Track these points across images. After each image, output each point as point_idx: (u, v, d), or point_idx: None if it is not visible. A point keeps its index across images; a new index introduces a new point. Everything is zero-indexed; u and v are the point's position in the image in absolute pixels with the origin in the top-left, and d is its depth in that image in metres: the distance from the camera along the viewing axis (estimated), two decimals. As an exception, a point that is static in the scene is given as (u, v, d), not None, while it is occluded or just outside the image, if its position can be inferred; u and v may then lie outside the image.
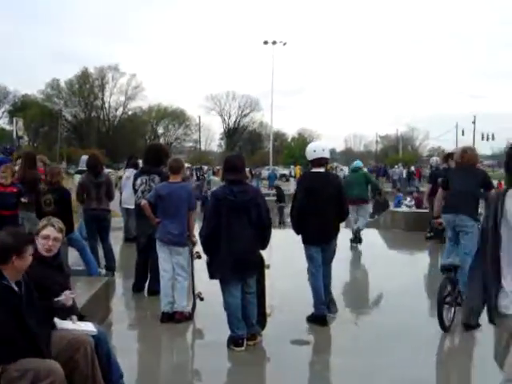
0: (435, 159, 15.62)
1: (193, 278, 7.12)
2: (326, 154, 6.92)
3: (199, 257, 6.89)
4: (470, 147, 9.14)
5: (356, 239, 12.68)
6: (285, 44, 60.89)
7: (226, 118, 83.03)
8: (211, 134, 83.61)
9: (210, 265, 5.98)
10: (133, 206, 8.88)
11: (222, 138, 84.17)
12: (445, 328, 6.47)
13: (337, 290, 7.01)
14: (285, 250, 10.44)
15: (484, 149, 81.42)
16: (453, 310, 6.65)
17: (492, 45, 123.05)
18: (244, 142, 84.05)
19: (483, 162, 52.32)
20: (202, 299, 7.07)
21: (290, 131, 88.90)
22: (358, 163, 13.80)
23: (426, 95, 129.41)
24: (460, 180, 7.58)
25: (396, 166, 50.14)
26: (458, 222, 7.37)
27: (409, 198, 21.31)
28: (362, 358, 5.64)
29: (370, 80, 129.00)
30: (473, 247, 6.31)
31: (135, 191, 8.10)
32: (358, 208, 12.84)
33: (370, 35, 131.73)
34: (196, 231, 6.67)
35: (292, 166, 57.22)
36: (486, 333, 5.08)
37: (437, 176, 11.10)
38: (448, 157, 12.98)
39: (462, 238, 7.38)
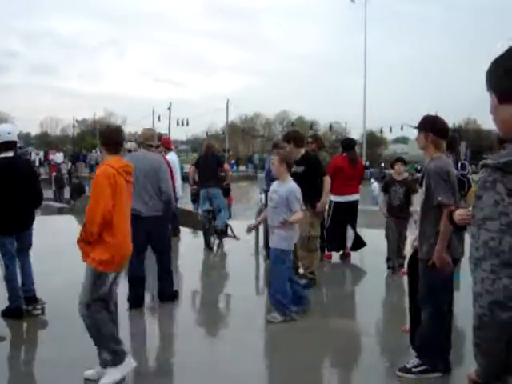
0: (134, 145, 15.81)
1: None
2: (13, 138, 6.58)
3: None
4: (211, 142, 13.54)
5: None
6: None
7: None
8: None
9: None
10: None
11: None
12: (210, 248, 11.09)
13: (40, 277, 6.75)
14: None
15: (179, 134, 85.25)
16: (214, 236, 11.26)
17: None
18: None
19: (178, 147, 54.72)
20: None
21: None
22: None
23: (123, 80, 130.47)
24: (206, 162, 11.17)
25: (94, 151, 49.74)
26: (210, 192, 11.05)
27: None
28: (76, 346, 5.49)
29: (69, 63, 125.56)
30: (222, 203, 11.41)
31: None
32: None
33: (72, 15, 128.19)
34: None
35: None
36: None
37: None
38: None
39: (214, 200, 11.15)
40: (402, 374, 4.99)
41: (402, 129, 62.75)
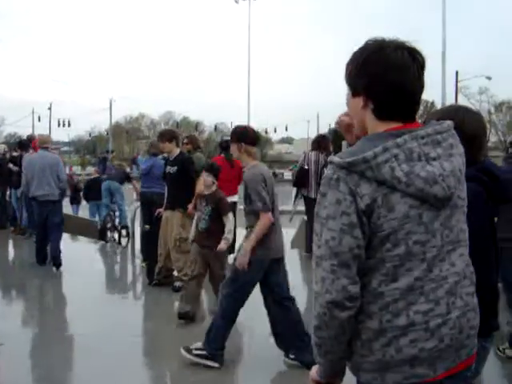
0: (2, 147, 15.18)
1: None
2: None
3: None
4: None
5: None
6: None
7: None
8: None
9: None
10: None
11: None
12: (106, 240, 11.83)
13: None
14: None
15: (61, 135, 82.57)
16: (109, 232, 12.04)
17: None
18: None
19: (61, 148, 53.01)
20: None
21: None
22: None
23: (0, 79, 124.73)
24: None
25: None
26: (112, 185, 12.95)
27: None
28: None
29: None
30: (122, 200, 13.00)
31: None
32: None
33: None
34: None
35: None
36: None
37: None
38: (20, 145, 12.82)
39: (115, 194, 12.82)
40: (183, 352, 5.10)
41: (286, 129, 64.16)
